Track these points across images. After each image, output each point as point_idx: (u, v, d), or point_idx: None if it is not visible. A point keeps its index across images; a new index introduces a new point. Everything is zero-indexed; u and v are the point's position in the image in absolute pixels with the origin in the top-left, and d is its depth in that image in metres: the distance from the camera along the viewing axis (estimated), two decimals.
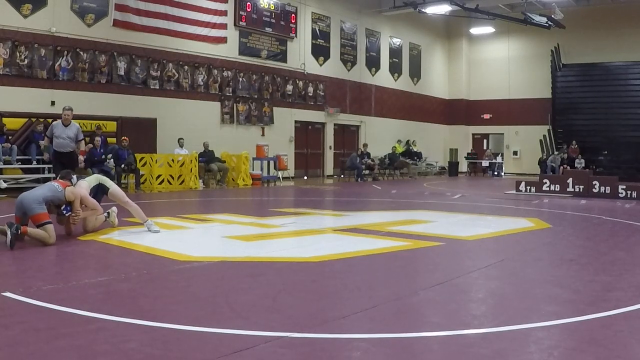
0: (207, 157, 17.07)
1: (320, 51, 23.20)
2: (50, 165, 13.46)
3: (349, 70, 24.73)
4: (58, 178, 7.01)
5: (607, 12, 27.32)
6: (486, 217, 9.75)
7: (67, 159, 10.17)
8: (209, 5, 18.65)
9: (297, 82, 22.11)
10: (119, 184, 14.64)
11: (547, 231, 8.08)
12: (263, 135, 20.50)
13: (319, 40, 23.12)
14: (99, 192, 7.19)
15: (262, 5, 20.46)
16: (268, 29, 20.73)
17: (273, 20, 20.88)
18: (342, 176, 22.28)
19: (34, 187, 13.56)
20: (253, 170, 18.52)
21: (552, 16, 22.53)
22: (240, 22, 19.71)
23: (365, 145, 23.43)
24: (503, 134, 30.79)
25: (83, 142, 10.95)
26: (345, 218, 9.43)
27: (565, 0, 25.23)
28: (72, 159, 10.36)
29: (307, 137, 23.04)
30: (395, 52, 27.69)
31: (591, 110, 27.13)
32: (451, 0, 21.95)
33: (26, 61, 14.32)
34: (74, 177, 7.09)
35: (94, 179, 7.39)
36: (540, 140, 27.25)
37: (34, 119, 14.18)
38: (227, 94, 19.43)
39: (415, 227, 8.11)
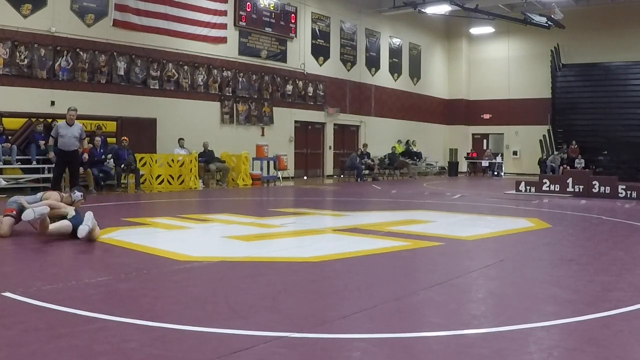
0: (206, 157, 17.07)
1: (320, 51, 23.20)
2: (52, 165, 13.49)
3: (348, 70, 24.74)
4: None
5: (607, 12, 27.33)
6: (486, 217, 9.75)
7: (71, 157, 10.76)
8: (209, 5, 18.65)
9: (297, 82, 22.11)
10: (119, 184, 14.69)
11: (547, 231, 8.08)
12: (263, 135, 20.50)
13: (318, 40, 23.12)
14: None
15: (261, 5, 20.46)
16: (268, 29, 20.73)
17: (273, 20, 20.88)
18: (342, 176, 22.28)
19: (34, 187, 13.63)
20: (253, 170, 18.53)
21: (552, 16, 22.53)
22: (240, 22, 19.71)
23: (365, 145, 23.43)
24: (503, 134, 30.79)
25: (86, 140, 11.48)
26: (345, 218, 9.43)
27: (565, 0, 25.23)
28: (76, 157, 10.93)
29: (307, 137, 23.04)
30: (395, 52, 27.70)
31: (591, 110, 27.13)
32: (451, 0, 21.95)
33: (26, 61, 14.32)
34: (77, 193, 7.19)
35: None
36: (540, 140, 27.25)
37: (33, 119, 14.17)
38: (227, 94, 19.44)
39: (415, 227, 8.11)
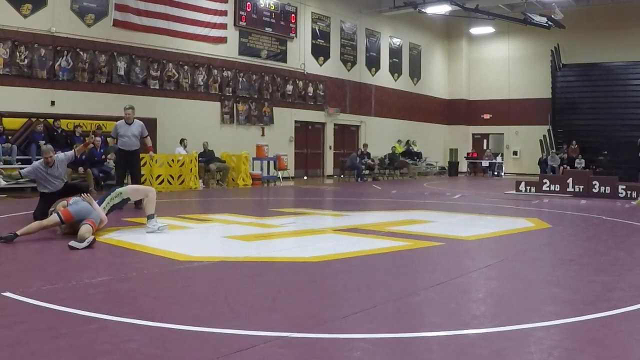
0: (207, 157, 17.07)
1: (320, 51, 23.20)
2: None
3: (349, 70, 24.74)
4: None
5: (607, 12, 27.32)
6: (486, 217, 9.74)
7: (132, 157, 10.24)
8: (209, 5, 18.65)
9: (297, 82, 22.11)
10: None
11: (547, 231, 8.08)
12: (263, 135, 20.50)
13: (318, 40, 23.12)
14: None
15: (262, 5, 20.46)
16: (268, 29, 20.73)
17: (273, 20, 20.88)
18: (342, 176, 22.28)
19: (34, 187, 13.60)
20: (253, 170, 18.52)
21: (552, 16, 22.55)
22: (240, 22, 19.72)
23: (365, 145, 23.43)
24: (503, 134, 30.79)
25: (149, 138, 10.66)
26: (345, 218, 9.43)
27: (565, 0, 25.23)
28: (137, 157, 10.37)
29: (307, 137, 23.05)
30: (395, 52, 27.70)
31: (591, 110, 27.13)
32: (451, 0, 21.95)
33: (26, 61, 14.32)
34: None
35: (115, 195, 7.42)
36: (540, 140, 27.26)
37: (34, 119, 14.18)
38: (227, 94, 19.44)
39: (415, 227, 8.11)
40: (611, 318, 3.72)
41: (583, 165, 23.58)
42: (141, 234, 7.06)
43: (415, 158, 26.38)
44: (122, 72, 16.35)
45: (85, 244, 5.95)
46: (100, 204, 7.11)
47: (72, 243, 5.94)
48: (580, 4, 27.17)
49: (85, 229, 6.30)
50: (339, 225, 8.46)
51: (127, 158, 10.23)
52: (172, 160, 15.54)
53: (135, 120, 10.23)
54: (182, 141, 16.76)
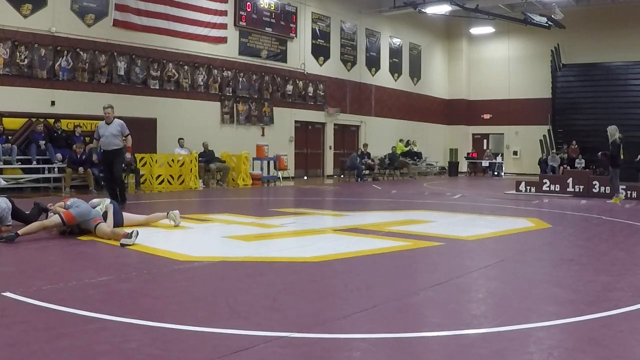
0: (207, 157, 17.08)
1: (320, 51, 23.21)
2: (52, 166, 13.51)
3: (349, 70, 24.74)
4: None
5: (607, 12, 27.33)
6: (486, 217, 9.74)
7: (112, 157, 10.10)
8: (209, 5, 18.65)
9: (297, 82, 22.11)
10: None
11: (547, 231, 8.07)
12: (263, 135, 20.51)
13: (319, 40, 23.12)
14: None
15: (262, 5, 20.46)
16: (268, 29, 20.74)
17: (273, 20, 20.88)
18: (342, 176, 22.28)
19: (34, 187, 13.62)
20: (253, 170, 18.52)
21: (552, 16, 22.57)
22: (240, 22, 19.72)
23: (365, 145, 23.44)
24: (503, 134, 30.80)
25: (130, 137, 10.35)
26: (345, 218, 9.43)
27: (565, 0, 25.23)
28: (118, 156, 10.19)
29: (307, 137, 23.05)
30: (395, 52, 27.70)
31: (591, 110, 27.12)
32: (451, 0, 21.96)
33: (26, 61, 14.32)
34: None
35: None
36: (540, 140, 27.25)
37: (34, 119, 14.18)
38: (227, 94, 19.44)
39: (415, 227, 8.11)
40: (611, 318, 3.72)
41: (583, 165, 23.57)
42: (141, 234, 7.05)
43: (415, 158, 26.38)
44: (122, 72, 16.35)
45: (134, 238, 6.17)
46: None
47: (124, 241, 6.14)
48: (580, 4, 27.18)
49: (104, 227, 6.63)
50: (339, 225, 8.46)
51: (108, 158, 10.13)
52: (172, 160, 15.54)
53: (115, 119, 10.16)
54: (179, 140, 16.76)
